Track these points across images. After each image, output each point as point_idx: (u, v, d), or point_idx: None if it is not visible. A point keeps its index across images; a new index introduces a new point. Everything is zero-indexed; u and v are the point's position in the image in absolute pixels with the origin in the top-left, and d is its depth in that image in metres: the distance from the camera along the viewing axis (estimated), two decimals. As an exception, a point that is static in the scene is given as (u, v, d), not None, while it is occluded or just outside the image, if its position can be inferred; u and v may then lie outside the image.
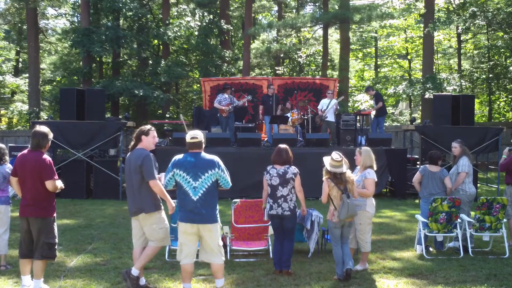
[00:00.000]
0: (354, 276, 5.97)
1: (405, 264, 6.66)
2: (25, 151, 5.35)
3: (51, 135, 5.36)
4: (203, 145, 5.22)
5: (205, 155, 5.17)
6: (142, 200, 5.22)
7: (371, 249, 6.55)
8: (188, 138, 5.16)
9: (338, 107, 14.43)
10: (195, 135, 5.16)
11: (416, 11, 23.06)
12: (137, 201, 5.24)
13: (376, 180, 6.40)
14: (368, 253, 6.50)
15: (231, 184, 5.24)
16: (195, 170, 5.05)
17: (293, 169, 6.09)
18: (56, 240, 5.34)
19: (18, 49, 28.54)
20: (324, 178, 5.97)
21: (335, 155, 5.89)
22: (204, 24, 23.36)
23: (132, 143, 5.39)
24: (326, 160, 5.98)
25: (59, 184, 5.29)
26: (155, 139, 5.44)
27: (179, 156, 5.17)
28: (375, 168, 6.47)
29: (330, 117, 13.82)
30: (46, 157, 5.21)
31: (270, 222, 6.93)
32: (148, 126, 5.45)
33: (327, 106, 13.68)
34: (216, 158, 5.18)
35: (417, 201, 11.10)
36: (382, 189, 13.01)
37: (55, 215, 5.35)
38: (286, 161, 6.14)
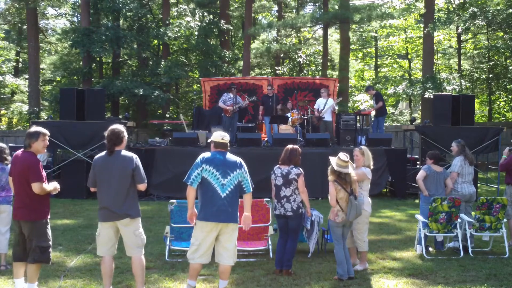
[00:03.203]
0: (354, 276, 5.98)
1: (405, 264, 6.67)
2: (19, 151, 5.27)
3: (40, 135, 5.14)
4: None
5: (230, 155, 5.24)
6: (129, 205, 5.03)
7: (370, 249, 6.56)
8: (218, 138, 5.24)
9: (336, 107, 14.43)
10: (225, 136, 5.29)
11: (416, 11, 23.07)
12: (123, 205, 5.00)
13: (370, 178, 6.43)
14: (366, 253, 6.50)
15: (252, 189, 5.27)
16: (224, 168, 5.11)
17: (297, 170, 6.08)
18: (49, 243, 5.17)
19: (18, 49, 28.53)
20: (330, 180, 5.95)
21: (343, 155, 5.90)
22: (204, 24, 23.37)
23: (110, 144, 5.08)
24: (333, 160, 5.97)
25: (49, 187, 5.11)
26: None
27: (207, 154, 5.21)
28: (371, 168, 6.50)
29: (328, 117, 13.84)
30: (34, 158, 5.08)
31: (270, 222, 6.97)
32: (120, 126, 5.20)
33: (324, 106, 13.70)
34: (241, 159, 5.27)
35: (417, 201, 11.10)
36: (382, 189, 13.03)
37: (48, 217, 5.20)
38: (289, 161, 6.12)
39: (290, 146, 6.27)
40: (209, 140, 5.41)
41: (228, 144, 5.30)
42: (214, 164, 5.10)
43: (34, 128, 5.24)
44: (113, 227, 5.10)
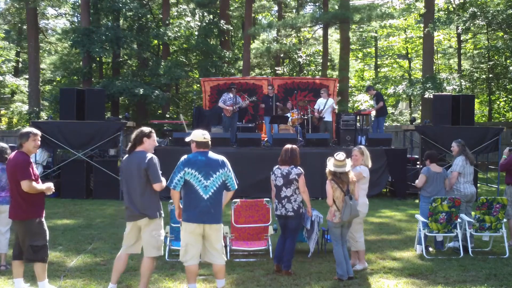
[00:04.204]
0: (354, 276, 5.98)
1: (405, 264, 6.66)
2: (13, 152, 5.27)
3: (31, 135, 5.13)
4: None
5: (213, 154, 5.18)
6: (146, 205, 5.07)
7: (370, 249, 6.55)
8: (200, 137, 5.15)
9: (336, 107, 14.44)
10: (206, 134, 5.20)
11: (416, 11, 23.07)
12: (141, 205, 5.05)
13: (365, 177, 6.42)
14: (364, 252, 6.50)
15: (236, 186, 5.24)
16: (207, 169, 5.05)
17: (297, 169, 6.06)
18: (44, 242, 5.14)
19: (18, 49, 28.51)
20: (328, 180, 5.96)
21: (339, 155, 5.90)
22: (204, 24, 23.36)
23: (130, 144, 5.20)
24: (330, 161, 5.98)
25: (40, 186, 5.09)
26: (156, 142, 5.36)
27: (189, 156, 5.15)
28: (369, 167, 6.50)
29: (328, 117, 13.85)
30: (24, 157, 5.07)
31: (270, 222, 6.96)
32: (149, 128, 5.29)
33: (324, 106, 13.71)
34: (224, 158, 5.21)
35: (417, 201, 11.10)
36: (382, 189, 13.03)
37: (42, 217, 5.18)
38: (291, 161, 6.11)
39: (289, 146, 6.25)
40: (188, 139, 5.29)
41: (210, 142, 5.21)
42: (196, 167, 5.04)
43: (26, 129, 5.28)
44: (136, 226, 5.15)
